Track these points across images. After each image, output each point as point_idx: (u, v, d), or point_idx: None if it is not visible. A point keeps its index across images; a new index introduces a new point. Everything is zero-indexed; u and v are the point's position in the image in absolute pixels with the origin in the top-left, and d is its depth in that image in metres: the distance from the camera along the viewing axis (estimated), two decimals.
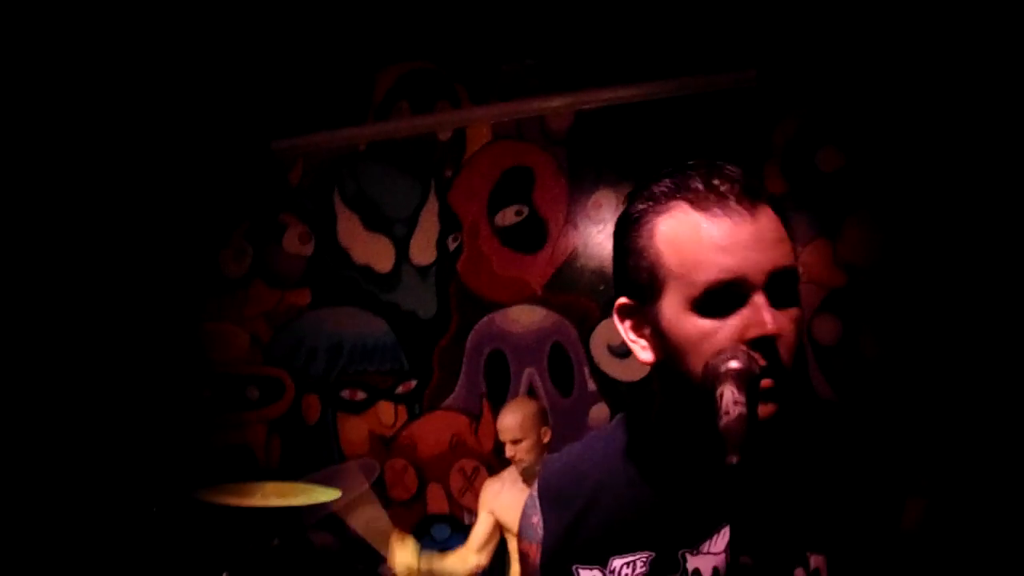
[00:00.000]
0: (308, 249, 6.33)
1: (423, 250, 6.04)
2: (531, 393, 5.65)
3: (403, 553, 4.69)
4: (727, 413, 1.27)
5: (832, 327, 5.13)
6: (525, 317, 5.76)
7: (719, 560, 1.44)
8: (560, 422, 5.55)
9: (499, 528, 4.85)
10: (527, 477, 4.64)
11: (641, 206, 1.51)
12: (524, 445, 4.58)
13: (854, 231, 5.15)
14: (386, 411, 6.08)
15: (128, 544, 5.62)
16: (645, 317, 1.51)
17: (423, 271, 6.02)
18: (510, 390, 5.75)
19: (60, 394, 5.86)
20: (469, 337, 5.89)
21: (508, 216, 5.85)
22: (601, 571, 1.54)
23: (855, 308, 5.12)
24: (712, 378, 1.34)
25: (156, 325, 6.45)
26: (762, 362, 1.37)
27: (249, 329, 6.45)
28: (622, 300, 1.54)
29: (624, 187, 5.46)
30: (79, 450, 5.90)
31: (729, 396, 1.29)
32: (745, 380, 1.31)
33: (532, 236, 5.77)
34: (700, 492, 1.45)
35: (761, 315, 1.38)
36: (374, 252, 6.17)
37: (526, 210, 5.80)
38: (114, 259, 6.27)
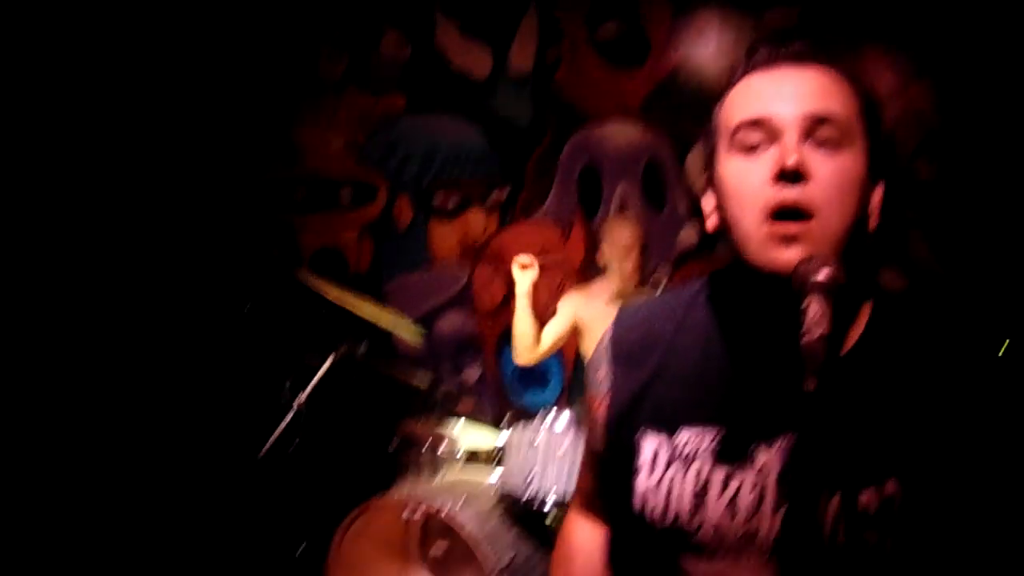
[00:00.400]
0: (405, 54, 6.28)
1: (522, 59, 5.98)
2: (622, 209, 5.66)
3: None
4: (809, 332, 1.27)
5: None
6: (621, 133, 5.73)
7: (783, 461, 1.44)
8: (652, 238, 5.59)
9: (573, 332, 4.89)
10: (617, 296, 4.68)
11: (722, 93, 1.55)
12: (633, 257, 4.62)
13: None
14: (477, 218, 6.14)
15: (226, 340, 5.82)
16: (711, 181, 1.54)
17: (520, 80, 5.98)
18: (602, 204, 5.76)
19: (159, 198, 5.99)
20: (564, 149, 5.87)
21: (610, 30, 5.75)
22: (668, 439, 1.52)
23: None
24: (799, 286, 1.34)
25: (251, 127, 6.51)
26: (789, 196, 1.38)
27: (343, 133, 6.48)
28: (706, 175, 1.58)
29: (729, 12, 5.35)
30: (178, 253, 6.07)
31: (814, 312, 1.29)
32: (832, 293, 1.31)
33: (633, 52, 5.68)
34: (778, 381, 1.44)
35: (787, 149, 1.39)
36: (471, 59, 6.12)
37: (628, 24, 5.69)
38: (210, 61, 6.30)
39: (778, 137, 1.41)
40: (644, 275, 4.69)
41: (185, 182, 6.20)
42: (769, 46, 1.49)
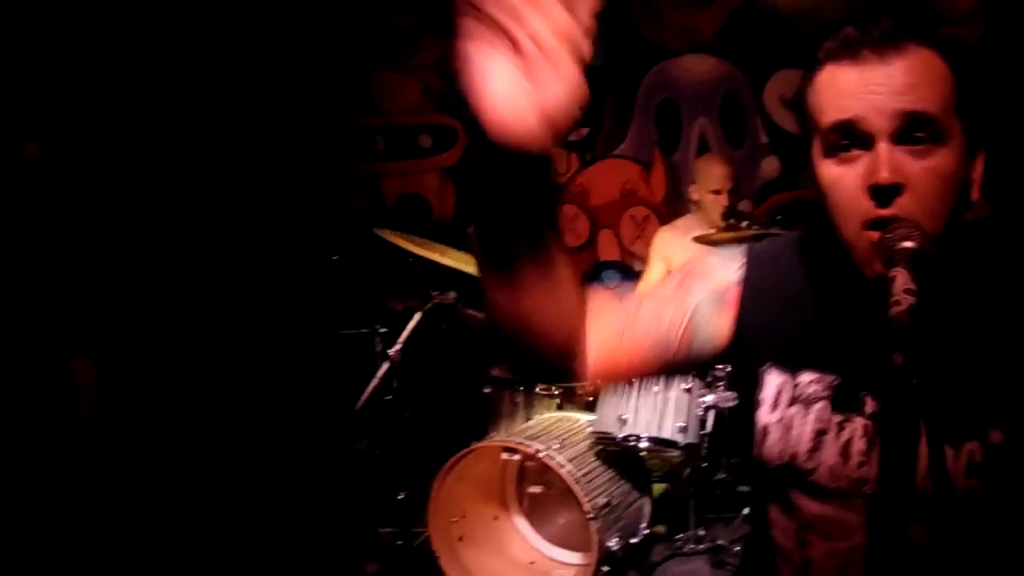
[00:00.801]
0: None
1: None
2: (703, 142, 5.65)
3: None
4: (897, 303, 1.25)
5: None
6: (697, 66, 5.70)
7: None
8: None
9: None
10: (708, 233, 4.69)
11: (807, 71, 1.50)
12: (723, 196, 4.63)
13: None
14: (557, 158, 6.16)
15: (315, 290, 5.93)
16: (808, 163, 1.51)
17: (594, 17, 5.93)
18: (682, 139, 5.76)
19: (240, 153, 6.11)
20: (640, 85, 5.85)
21: None
22: (791, 378, 1.55)
23: None
24: (885, 255, 1.34)
25: (328, 78, 6.57)
26: (884, 212, 1.37)
27: (419, 78, 6.51)
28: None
29: None
30: (264, 206, 6.18)
31: (901, 282, 1.27)
32: (919, 263, 1.30)
33: None
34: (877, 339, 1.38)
35: (879, 162, 1.36)
36: None
37: None
38: (284, 13, 6.35)
39: (870, 143, 1.39)
40: (729, 209, 4.68)
41: (266, 135, 6.29)
42: (854, 27, 1.43)
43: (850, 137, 1.40)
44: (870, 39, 1.40)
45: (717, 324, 1.61)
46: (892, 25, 1.41)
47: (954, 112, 1.39)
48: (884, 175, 1.36)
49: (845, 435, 1.50)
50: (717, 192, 4.63)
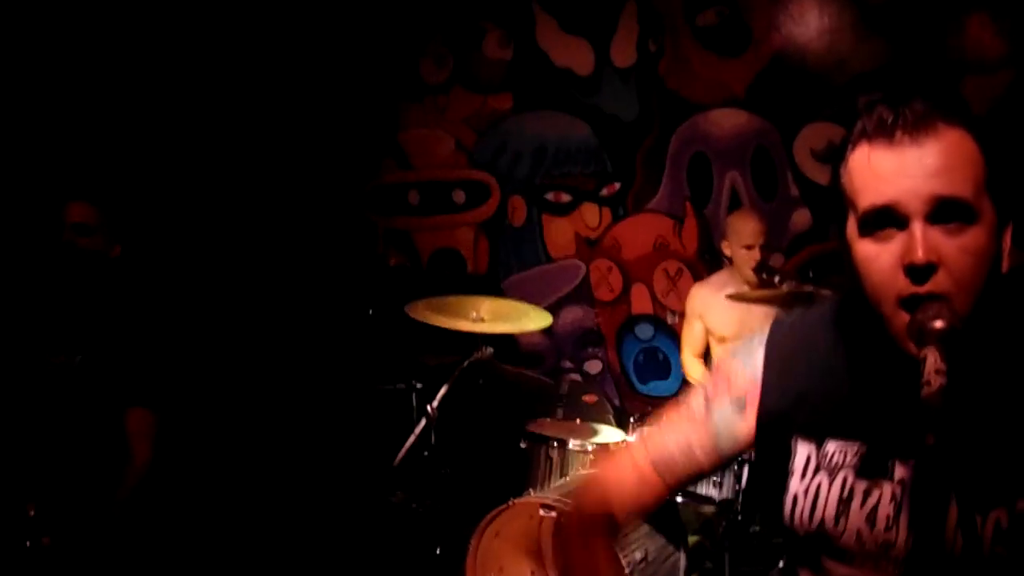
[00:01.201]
0: (508, 53, 6.38)
1: (623, 52, 6.03)
2: (734, 195, 5.70)
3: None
4: (928, 383, 1.31)
5: None
6: (727, 120, 5.75)
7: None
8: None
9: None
10: (742, 288, 4.75)
11: (842, 147, 1.56)
12: (756, 251, 4.68)
13: None
14: (591, 213, 6.23)
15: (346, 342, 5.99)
16: (842, 235, 1.57)
17: (624, 73, 6.03)
18: (713, 193, 5.81)
19: (275, 208, 6.21)
20: (672, 140, 5.92)
21: (709, 17, 5.76)
22: (817, 448, 1.63)
23: None
24: (917, 334, 1.40)
25: (361, 134, 6.68)
26: (920, 290, 1.42)
27: (453, 134, 6.61)
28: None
29: None
30: (298, 262, 6.27)
31: (931, 363, 1.33)
32: (949, 342, 1.35)
33: (734, 38, 5.69)
34: (908, 405, 1.44)
35: (915, 242, 1.41)
36: (573, 55, 6.18)
37: (728, 11, 5.70)
38: (316, 69, 6.48)
39: (905, 223, 1.44)
40: (761, 264, 4.72)
41: (299, 190, 6.39)
42: (888, 109, 1.49)
43: (886, 219, 1.46)
44: (904, 122, 1.45)
45: (740, 428, 1.74)
46: (924, 107, 1.46)
47: (984, 191, 1.45)
48: (920, 255, 1.41)
49: (872, 501, 1.55)
50: (749, 247, 4.67)
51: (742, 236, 4.71)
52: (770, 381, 1.72)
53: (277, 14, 6.18)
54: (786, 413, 1.68)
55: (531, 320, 4.53)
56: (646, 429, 1.89)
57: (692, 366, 5.20)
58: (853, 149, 1.53)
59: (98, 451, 3.36)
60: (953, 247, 1.43)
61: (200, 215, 5.67)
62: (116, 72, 5.22)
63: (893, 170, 1.45)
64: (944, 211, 1.42)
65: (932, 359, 1.34)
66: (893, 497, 1.54)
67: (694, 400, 1.81)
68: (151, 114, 5.43)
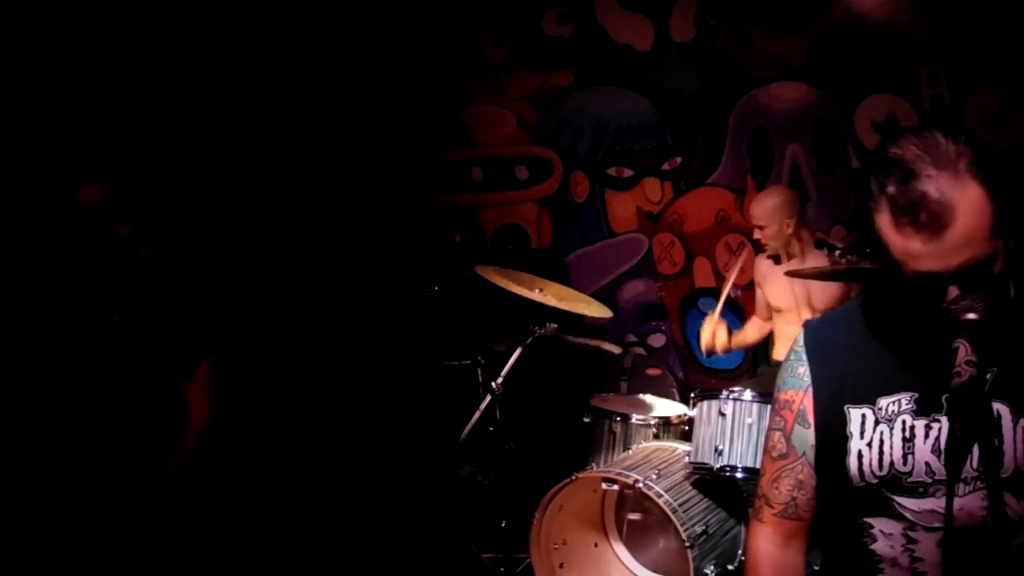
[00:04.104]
0: (567, 31, 6.42)
1: (682, 27, 6.04)
2: (795, 168, 5.70)
3: (720, 334, 4.94)
4: (959, 374, 1.43)
5: None
6: (787, 93, 5.74)
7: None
8: (824, 197, 5.61)
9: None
10: (777, 261, 4.83)
11: (866, 187, 1.66)
12: (768, 231, 4.71)
13: None
14: (652, 187, 6.27)
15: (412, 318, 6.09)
16: (873, 222, 1.68)
17: (683, 48, 6.04)
18: (774, 166, 5.81)
19: (343, 189, 6.31)
20: (732, 113, 5.93)
21: None
22: (871, 408, 1.76)
23: None
24: (951, 322, 1.51)
25: (425, 114, 6.76)
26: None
27: (515, 111, 6.67)
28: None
29: None
30: (365, 242, 6.38)
31: (963, 354, 1.45)
32: (981, 333, 1.46)
33: (793, 10, 5.66)
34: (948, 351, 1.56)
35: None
36: (633, 31, 6.21)
37: None
38: (380, 47, 6.57)
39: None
40: (810, 237, 4.77)
41: (364, 167, 6.50)
42: (903, 178, 1.59)
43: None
44: (924, 206, 1.55)
45: (812, 436, 1.88)
46: (941, 187, 1.55)
47: (995, 236, 1.56)
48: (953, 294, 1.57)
49: (934, 434, 1.68)
50: (760, 227, 4.72)
51: (750, 217, 4.79)
52: (817, 373, 1.86)
53: None
54: (836, 391, 1.81)
55: (590, 309, 4.58)
56: (756, 503, 2.01)
57: (746, 328, 5.23)
58: (878, 205, 1.62)
59: (151, 415, 3.38)
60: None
61: (271, 189, 5.80)
62: (162, 56, 5.32)
63: (921, 251, 1.56)
64: (969, 269, 1.55)
65: (963, 351, 1.43)
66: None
67: (774, 443, 1.95)
68: (207, 91, 5.54)
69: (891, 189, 1.59)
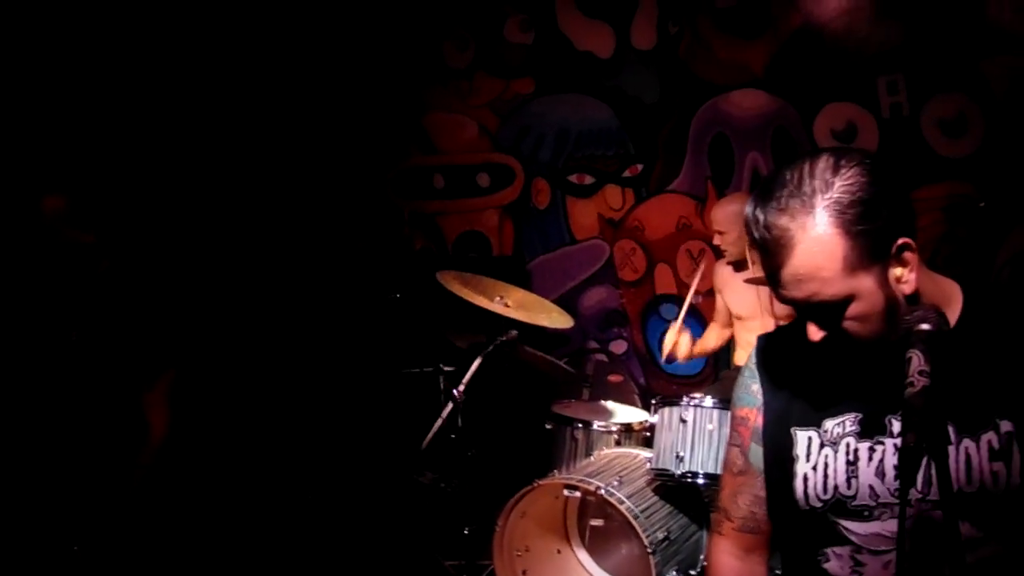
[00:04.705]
0: (529, 37, 6.42)
1: (644, 35, 6.05)
2: (756, 176, 5.73)
3: (683, 342, 4.95)
4: (912, 385, 1.43)
5: None
6: (747, 101, 5.77)
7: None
8: None
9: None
10: (740, 266, 4.84)
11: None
12: (728, 237, 4.74)
13: None
14: (614, 194, 6.28)
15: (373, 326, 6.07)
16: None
17: (645, 56, 6.05)
18: (735, 174, 5.84)
19: (301, 194, 6.29)
20: (693, 121, 5.95)
21: None
22: (816, 431, 1.78)
23: None
24: (905, 335, 1.52)
25: (385, 120, 6.74)
26: None
27: (476, 118, 6.67)
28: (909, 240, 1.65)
29: None
30: (323, 248, 6.36)
31: (916, 363, 1.45)
32: (934, 344, 1.48)
33: (754, 19, 5.69)
34: (896, 368, 1.56)
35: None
36: (594, 38, 6.22)
37: None
38: (340, 53, 6.54)
39: None
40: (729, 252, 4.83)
41: (324, 174, 6.47)
42: (758, 211, 1.66)
43: None
44: (767, 228, 1.64)
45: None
46: (781, 222, 1.62)
47: (848, 277, 1.62)
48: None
49: (877, 456, 1.71)
50: (720, 233, 4.76)
51: (710, 223, 4.85)
52: (767, 392, 1.90)
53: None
54: (784, 413, 1.85)
55: (552, 319, 4.57)
56: (715, 515, 2.03)
57: (706, 336, 5.25)
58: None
59: (111, 428, 3.40)
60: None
61: (229, 198, 5.76)
62: (123, 67, 5.28)
63: (770, 276, 1.66)
64: (815, 308, 1.63)
65: (917, 360, 1.45)
66: (896, 449, 1.69)
67: (733, 459, 1.98)
68: (165, 99, 5.50)
69: (748, 209, 1.65)
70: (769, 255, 1.61)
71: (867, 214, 1.56)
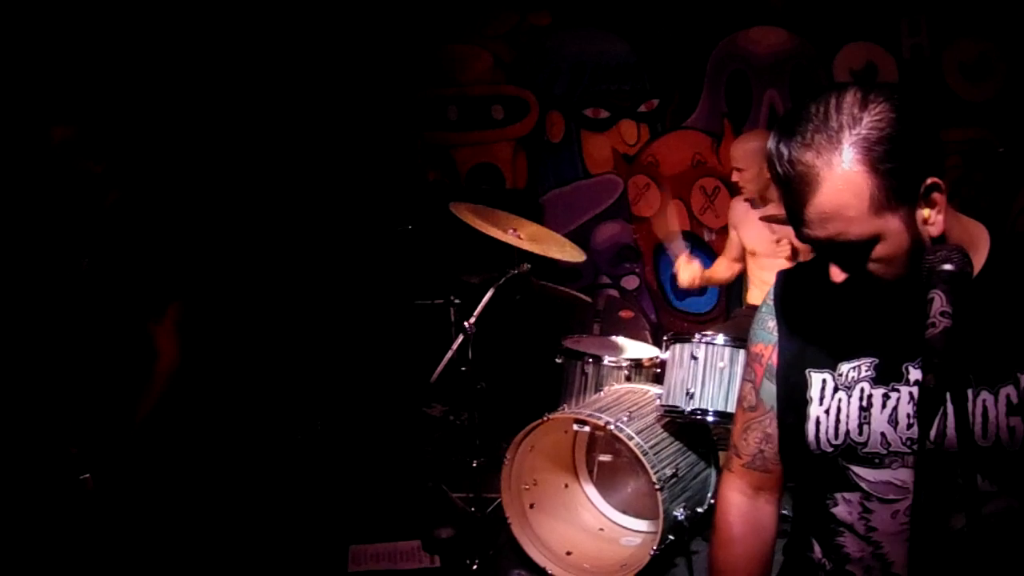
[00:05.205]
0: None
1: None
2: (773, 113, 5.68)
3: (688, 269, 4.93)
4: (933, 325, 1.40)
5: None
6: (767, 38, 5.70)
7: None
8: None
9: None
10: (757, 204, 4.79)
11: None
12: (747, 175, 4.69)
13: None
14: (629, 129, 6.24)
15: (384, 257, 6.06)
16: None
17: None
18: (751, 111, 5.79)
19: (315, 123, 6.25)
20: (710, 57, 5.89)
21: None
22: (831, 374, 1.76)
23: None
24: (927, 275, 1.47)
25: (401, 49, 6.68)
26: None
27: (491, 50, 6.60)
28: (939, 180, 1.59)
29: None
30: (338, 177, 6.33)
31: (938, 304, 1.41)
32: (957, 285, 1.43)
33: None
34: (916, 314, 1.54)
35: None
36: None
37: None
38: None
39: None
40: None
41: (340, 106, 6.42)
42: (780, 145, 1.60)
43: None
44: (788, 175, 1.58)
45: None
46: (806, 156, 1.55)
47: (875, 216, 1.56)
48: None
49: (891, 404, 1.69)
50: (739, 170, 4.70)
51: (733, 159, 4.77)
52: (783, 330, 1.87)
53: None
54: (799, 353, 1.82)
55: (564, 252, 4.54)
56: (728, 452, 2.01)
57: (716, 266, 5.23)
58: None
59: (120, 357, 3.39)
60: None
61: (240, 129, 5.72)
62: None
63: (793, 215, 1.61)
64: (837, 248, 1.59)
65: (939, 301, 1.42)
66: (911, 397, 1.67)
67: (745, 394, 1.96)
68: (177, 29, 5.44)
69: (771, 144, 1.59)
70: (792, 192, 1.56)
71: (896, 152, 1.50)
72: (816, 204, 1.53)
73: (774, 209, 4.61)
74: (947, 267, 1.45)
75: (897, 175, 1.51)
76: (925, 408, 1.38)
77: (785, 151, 1.55)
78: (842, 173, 1.51)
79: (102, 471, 3.26)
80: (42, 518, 3.27)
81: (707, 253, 5.79)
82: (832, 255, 1.60)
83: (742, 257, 5.04)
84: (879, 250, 1.56)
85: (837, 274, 1.61)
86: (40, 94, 4.49)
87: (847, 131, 1.51)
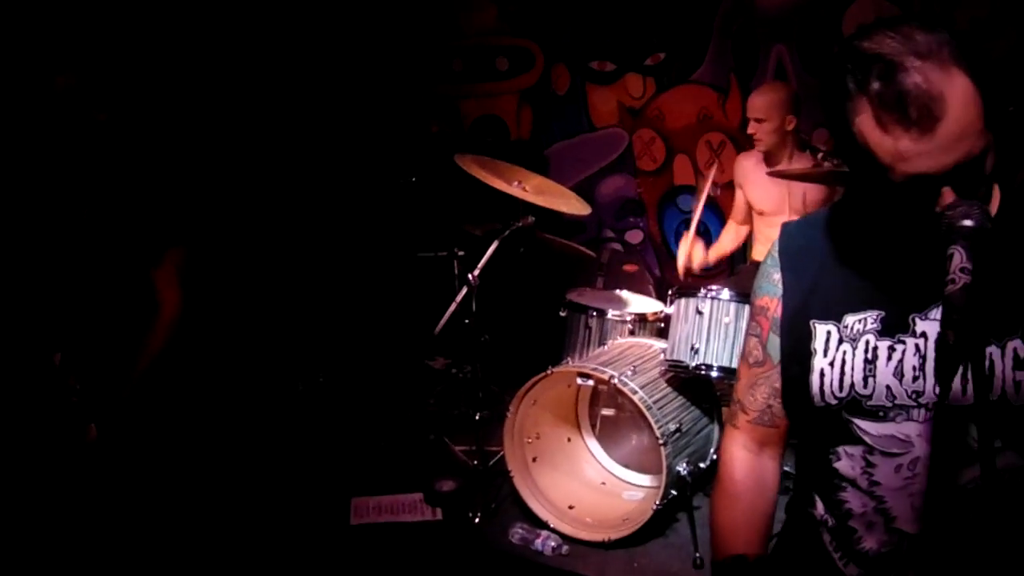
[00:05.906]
0: None
1: None
2: (780, 68, 5.63)
3: (697, 251, 4.92)
4: (953, 282, 1.37)
5: None
6: None
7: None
8: (809, 101, 5.54)
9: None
10: (767, 159, 4.75)
11: (841, 85, 1.55)
12: (766, 126, 4.62)
13: None
14: (635, 83, 6.19)
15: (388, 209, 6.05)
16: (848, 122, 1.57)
17: None
18: (758, 67, 5.73)
19: (319, 76, 6.20)
20: (718, 10, 5.82)
21: None
22: (836, 325, 1.73)
23: None
24: (946, 230, 1.44)
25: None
26: None
27: (496, 1, 6.53)
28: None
29: None
30: (343, 128, 6.29)
31: (958, 259, 1.39)
32: (977, 241, 1.40)
33: None
34: (926, 266, 1.53)
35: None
36: None
37: None
38: None
39: None
40: (798, 138, 4.70)
41: (340, 55, 6.38)
42: (886, 74, 1.49)
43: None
44: (912, 100, 1.45)
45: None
46: (927, 77, 1.45)
47: (986, 128, 1.48)
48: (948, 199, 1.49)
49: (897, 356, 1.66)
50: (758, 121, 4.63)
51: (749, 109, 4.69)
52: (788, 282, 1.84)
53: None
54: (804, 304, 1.79)
55: (569, 204, 4.52)
56: (732, 407, 2.00)
57: (724, 235, 5.22)
58: (857, 105, 1.51)
59: (122, 306, 3.37)
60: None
61: (243, 79, 5.68)
62: None
63: (912, 150, 1.47)
64: (964, 170, 1.47)
65: (959, 256, 1.40)
66: (917, 350, 1.64)
67: (750, 349, 1.94)
68: None
69: (874, 86, 1.48)
70: (922, 114, 1.45)
71: (986, 68, 1.48)
72: (951, 122, 1.45)
73: (783, 166, 4.59)
74: (967, 223, 1.42)
75: (987, 90, 1.48)
76: (944, 365, 1.37)
77: (892, 87, 1.46)
78: (959, 87, 1.45)
79: (102, 422, 3.26)
80: (44, 467, 3.28)
81: (711, 207, 5.76)
82: (953, 179, 1.49)
83: (748, 219, 5.02)
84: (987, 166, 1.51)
85: (949, 195, 1.50)
86: (43, 42, 4.45)
87: (945, 49, 1.47)
